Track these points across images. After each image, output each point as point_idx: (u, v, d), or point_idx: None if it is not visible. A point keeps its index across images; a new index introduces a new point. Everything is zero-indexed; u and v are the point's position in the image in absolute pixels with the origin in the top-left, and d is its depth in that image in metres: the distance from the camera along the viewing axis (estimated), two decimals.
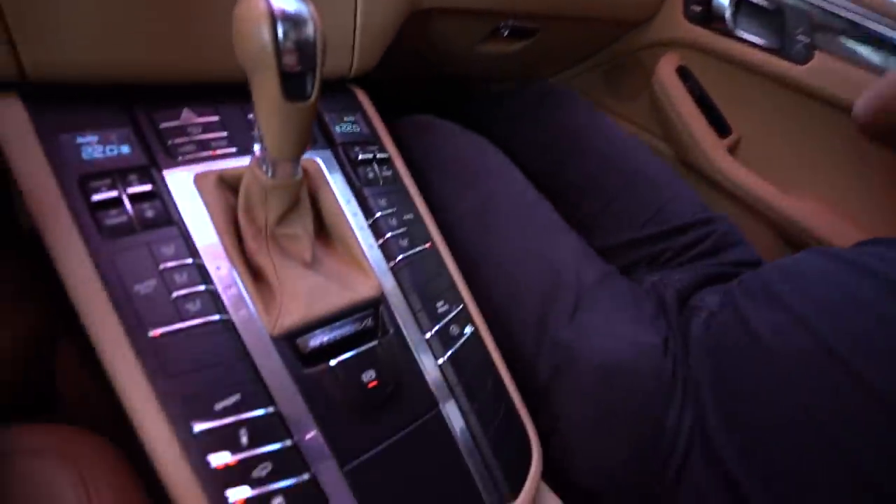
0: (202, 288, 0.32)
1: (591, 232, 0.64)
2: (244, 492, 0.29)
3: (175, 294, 0.31)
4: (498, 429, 0.39)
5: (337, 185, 0.42)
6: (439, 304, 0.41)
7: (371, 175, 0.44)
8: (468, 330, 0.42)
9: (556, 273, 0.50)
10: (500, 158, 0.59)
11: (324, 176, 0.42)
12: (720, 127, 0.82)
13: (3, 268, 0.43)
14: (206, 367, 0.30)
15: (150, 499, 0.34)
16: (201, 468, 0.28)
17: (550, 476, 0.45)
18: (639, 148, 0.67)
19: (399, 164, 0.47)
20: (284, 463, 0.30)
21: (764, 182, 0.78)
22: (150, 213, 0.32)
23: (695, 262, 0.60)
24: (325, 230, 0.42)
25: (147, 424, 0.29)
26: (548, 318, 0.48)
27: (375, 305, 0.38)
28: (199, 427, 0.29)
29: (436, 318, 0.40)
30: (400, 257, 0.41)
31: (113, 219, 0.31)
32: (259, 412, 0.30)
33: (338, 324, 0.36)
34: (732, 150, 0.83)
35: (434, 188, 0.54)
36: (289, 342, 0.34)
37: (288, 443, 0.31)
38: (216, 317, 0.32)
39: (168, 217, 0.33)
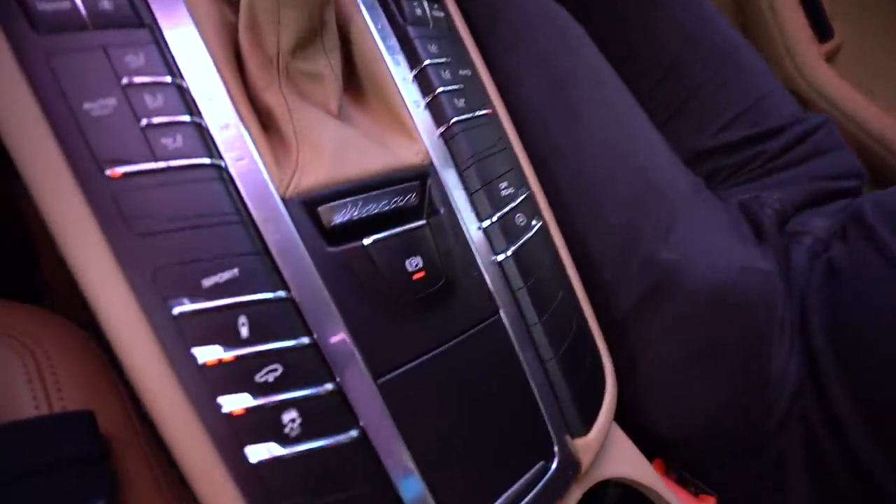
0: (185, 118, 0.22)
1: (663, 130, 0.53)
2: (244, 400, 0.20)
3: (145, 121, 0.21)
4: (569, 348, 0.31)
5: (373, 19, 0.31)
6: (502, 185, 0.31)
7: (419, 12, 0.32)
8: (536, 223, 0.32)
9: (646, 176, 0.39)
10: (576, 30, 0.46)
11: (356, 3, 0.31)
12: (821, 29, 0.68)
13: None
14: (191, 228, 0.21)
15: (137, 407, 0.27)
16: (183, 364, 0.20)
17: (620, 419, 0.37)
18: (730, 27, 0.54)
19: (451, 6, 0.36)
20: (300, 367, 0.22)
21: (862, 97, 0.66)
22: (106, 6, 0.22)
23: (787, 172, 0.49)
24: (355, 79, 0.31)
25: (106, 300, 0.20)
26: (638, 232, 0.38)
27: (422, 178, 0.28)
28: (179, 308, 0.20)
29: (498, 202, 0.30)
30: (454, 120, 0.30)
31: (49, 3, 0.21)
32: (265, 295, 0.22)
33: (374, 194, 0.26)
34: (830, 58, 0.70)
35: (491, 61, 0.43)
36: (308, 209, 0.24)
37: (305, 340, 0.22)
38: (206, 160, 0.22)
39: (136, 16, 0.23)
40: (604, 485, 0.36)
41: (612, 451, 0.34)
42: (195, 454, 0.20)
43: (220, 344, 0.20)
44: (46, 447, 0.21)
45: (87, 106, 0.21)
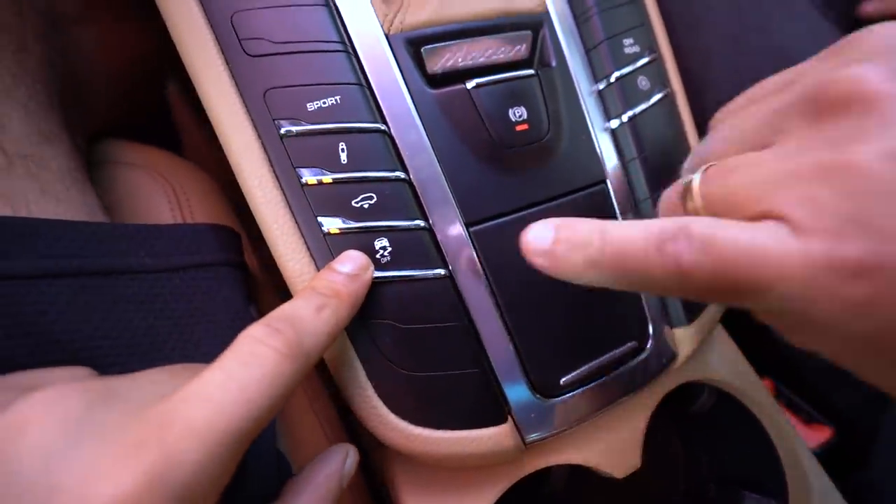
0: None
1: None
2: (340, 222, 0.21)
3: None
4: None
5: None
6: (626, 42, 0.27)
7: None
8: (660, 91, 0.28)
9: None
10: None
11: None
12: None
13: None
14: (299, 53, 0.21)
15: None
16: (288, 182, 0.21)
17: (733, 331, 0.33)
18: None
19: None
20: (393, 198, 0.22)
21: None
22: None
23: None
24: None
25: (223, 117, 0.21)
26: None
27: (535, 27, 0.26)
28: (286, 128, 0.21)
29: (620, 61, 0.27)
30: None
31: None
32: (364, 125, 0.22)
33: (480, 40, 0.24)
34: None
35: None
36: (411, 48, 0.23)
37: (399, 175, 0.22)
38: None
39: None
40: (699, 390, 0.34)
41: (714, 353, 0.31)
42: (297, 269, 0.21)
43: (321, 166, 0.21)
44: (209, 247, 0.24)
45: None
